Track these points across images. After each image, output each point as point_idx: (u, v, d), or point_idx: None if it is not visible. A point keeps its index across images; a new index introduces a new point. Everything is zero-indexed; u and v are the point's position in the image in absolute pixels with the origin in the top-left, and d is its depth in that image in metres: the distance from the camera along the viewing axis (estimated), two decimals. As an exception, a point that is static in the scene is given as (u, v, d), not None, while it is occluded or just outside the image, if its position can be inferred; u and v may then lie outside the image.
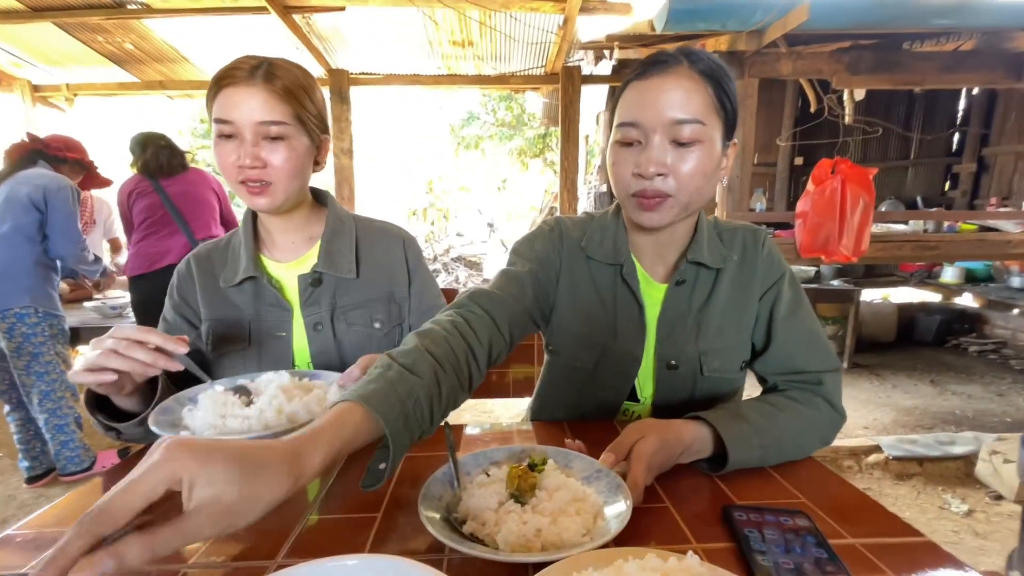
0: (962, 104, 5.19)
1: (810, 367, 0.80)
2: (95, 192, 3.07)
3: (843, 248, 2.20)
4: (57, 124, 4.34)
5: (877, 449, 2.46)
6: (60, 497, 0.66)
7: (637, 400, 0.89)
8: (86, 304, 2.69)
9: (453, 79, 4.24)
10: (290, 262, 0.95)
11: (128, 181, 2.49)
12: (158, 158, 2.42)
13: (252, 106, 0.81)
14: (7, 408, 2.31)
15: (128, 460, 0.76)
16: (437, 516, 0.53)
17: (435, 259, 8.23)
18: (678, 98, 0.71)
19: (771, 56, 2.20)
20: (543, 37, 3.57)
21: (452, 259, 8.57)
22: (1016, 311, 4.25)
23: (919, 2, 1.79)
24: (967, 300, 4.68)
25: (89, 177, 2.44)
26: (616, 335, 0.85)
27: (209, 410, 0.69)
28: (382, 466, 0.52)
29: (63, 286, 2.78)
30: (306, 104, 0.87)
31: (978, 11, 1.87)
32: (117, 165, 2.99)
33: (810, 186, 2.30)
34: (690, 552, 0.42)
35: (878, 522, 0.57)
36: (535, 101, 8.60)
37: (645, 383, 0.88)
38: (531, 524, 0.51)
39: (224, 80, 0.81)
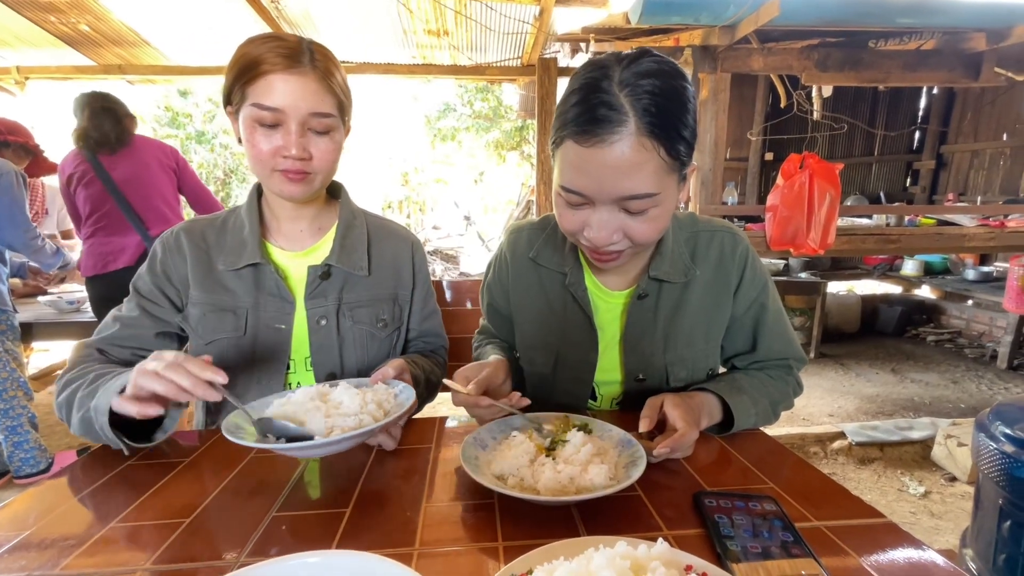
0: (922, 103, 5.39)
1: (785, 356, 0.88)
2: (48, 180, 2.89)
3: (811, 241, 2.26)
4: (7, 109, 4.10)
5: (841, 436, 2.56)
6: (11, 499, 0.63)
7: (596, 399, 0.90)
8: (40, 299, 2.56)
9: (428, 69, 4.17)
10: (297, 252, 0.91)
11: (67, 159, 2.17)
12: (99, 127, 2.10)
13: (303, 95, 0.77)
14: (-45, 408, 2.19)
15: (89, 457, 0.73)
16: (483, 476, 0.59)
17: (411, 252, 8.12)
18: (628, 173, 0.62)
19: (743, 52, 2.24)
20: (519, 28, 3.54)
21: (429, 252, 8.50)
22: (970, 302, 4.47)
23: (884, 0, 1.84)
24: (925, 292, 4.89)
25: (36, 163, 2.28)
26: (567, 341, 0.86)
27: (318, 419, 0.65)
28: None
29: (15, 282, 2.62)
30: (346, 91, 0.85)
31: (938, 11, 1.93)
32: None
33: (780, 180, 2.35)
34: (660, 539, 0.42)
35: (842, 505, 0.58)
36: (512, 93, 8.56)
37: (610, 391, 0.89)
38: (564, 473, 0.58)
39: (269, 66, 0.75)
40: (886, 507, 2.15)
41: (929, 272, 4.73)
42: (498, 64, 4.19)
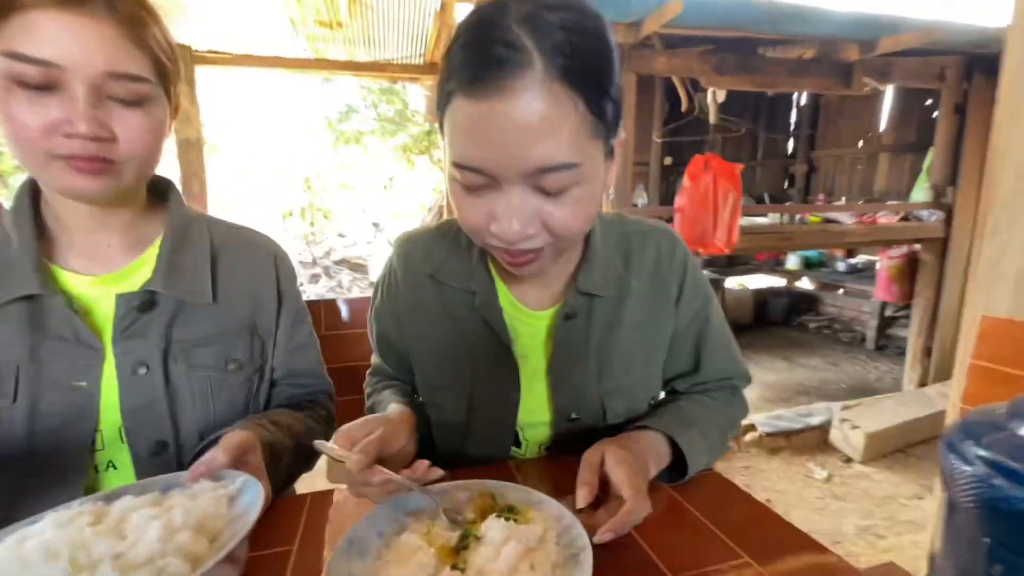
0: (794, 113, 5.98)
1: (729, 376, 0.76)
2: None
3: (717, 240, 2.31)
4: None
5: (752, 428, 2.65)
6: None
7: (520, 445, 0.73)
8: None
9: (320, 64, 3.82)
10: (100, 275, 0.65)
11: None
12: None
13: (94, 46, 0.53)
14: None
15: None
16: None
17: (315, 263, 7.56)
18: (538, 134, 0.47)
19: (648, 53, 2.25)
20: (420, 22, 3.34)
21: (334, 262, 7.97)
22: (841, 291, 5.00)
23: (777, 7, 1.92)
24: (805, 283, 5.40)
25: None
26: (481, 378, 0.69)
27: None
28: None
29: None
30: (169, 52, 0.60)
31: (818, 19, 2.07)
32: None
33: (686, 181, 2.39)
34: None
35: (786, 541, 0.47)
36: (418, 96, 8.29)
37: (537, 435, 0.72)
38: None
39: None
40: (796, 495, 2.24)
41: (808, 266, 5.23)
42: (399, 62, 3.95)
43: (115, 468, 0.65)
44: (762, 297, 5.34)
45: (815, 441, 2.66)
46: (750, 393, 0.82)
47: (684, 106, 2.69)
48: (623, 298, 0.69)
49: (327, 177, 10.95)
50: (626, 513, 0.49)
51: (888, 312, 4.31)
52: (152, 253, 0.67)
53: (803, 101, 5.76)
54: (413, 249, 0.72)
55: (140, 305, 0.63)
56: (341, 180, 11.10)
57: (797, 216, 2.88)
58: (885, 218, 2.88)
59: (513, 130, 0.47)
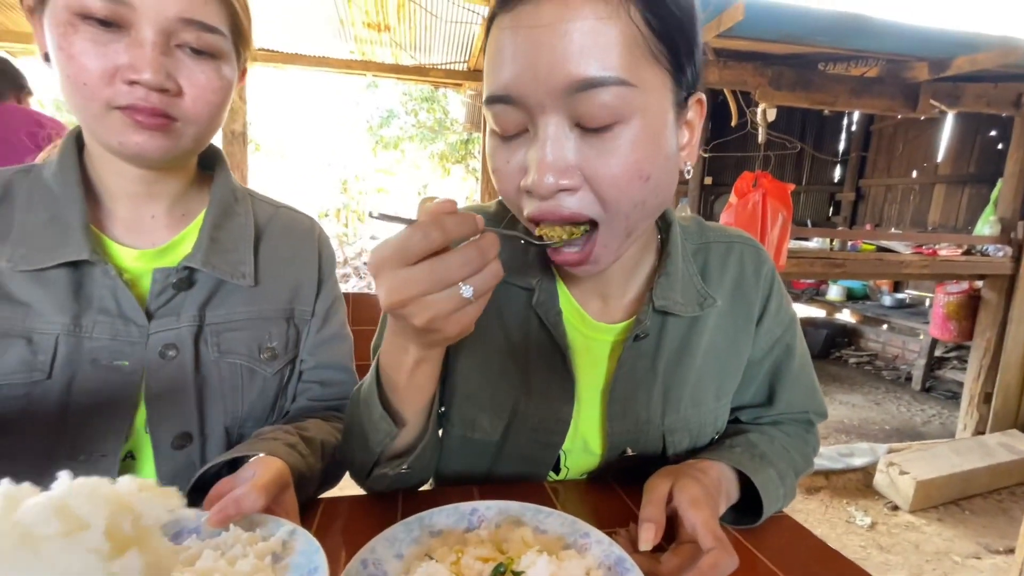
0: (843, 138, 5.76)
1: (805, 410, 0.67)
2: None
3: (763, 262, 2.19)
4: None
5: (788, 463, 2.49)
6: None
7: (558, 471, 0.64)
8: None
9: (367, 65, 3.88)
10: (144, 249, 0.59)
11: None
12: None
13: None
14: None
15: None
16: None
17: (346, 262, 7.68)
18: (572, 40, 0.39)
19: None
20: (466, 28, 3.35)
21: (365, 263, 8.08)
22: (885, 326, 4.73)
23: (841, 19, 1.82)
24: (846, 316, 5.15)
25: None
26: (529, 388, 0.59)
27: None
28: None
29: None
30: (243, 4, 0.56)
31: (886, 33, 1.95)
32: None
33: (732, 198, 2.28)
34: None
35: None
36: (457, 104, 8.38)
37: (582, 464, 0.63)
38: None
39: None
40: (836, 541, 2.07)
41: (851, 297, 4.99)
42: (443, 67, 3.97)
43: (133, 458, 0.59)
44: (801, 327, 5.12)
45: (857, 484, 2.47)
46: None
47: (734, 121, 2.60)
48: (699, 318, 0.59)
49: (364, 180, 11.15)
50: (710, 568, 0.40)
51: (939, 351, 4.05)
52: (195, 227, 0.62)
53: (854, 126, 5.56)
54: None
55: (177, 282, 0.58)
56: (377, 184, 11.29)
57: (849, 243, 2.72)
58: (946, 250, 2.69)
59: (545, 33, 0.39)
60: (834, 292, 5.01)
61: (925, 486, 2.28)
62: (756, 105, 2.36)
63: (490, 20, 0.45)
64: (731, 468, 0.55)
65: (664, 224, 0.61)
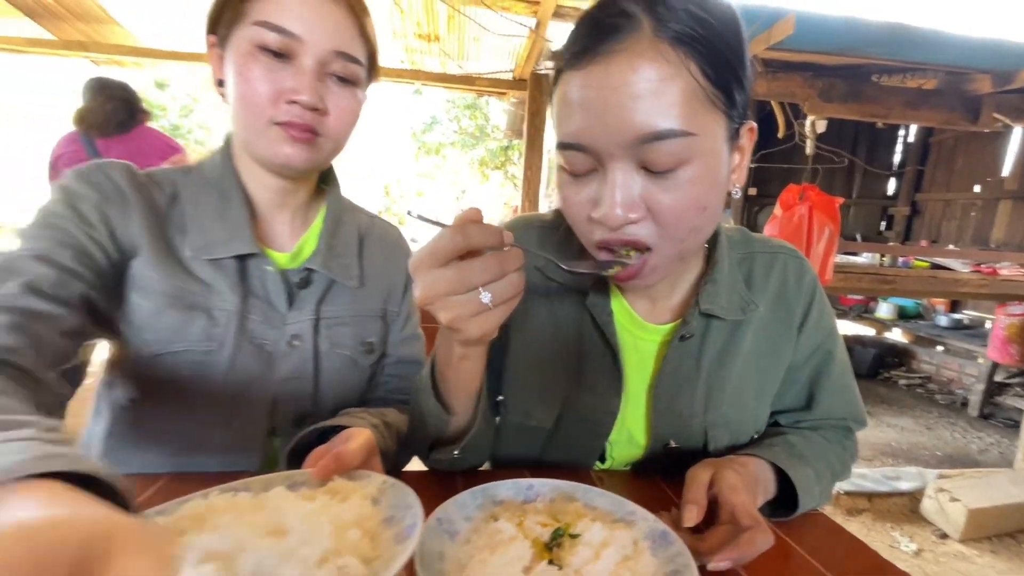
0: (899, 150, 5.53)
1: (845, 416, 0.69)
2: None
3: (808, 276, 2.15)
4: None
5: (828, 483, 2.42)
6: None
7: (603, 460, 0.68)
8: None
9: (416, 74, 4.02)
10: (282, 252, 0.69)
11: (61, 141, 2.03)
12: (103, 111, 1.96)
13: (331, 25, 0.58)
14: None
15: None
16: None
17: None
18: (641, 99, 0.43)
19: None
20: (513, 40, 3.43)
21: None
22: (940, 348, 4.50)
23: (895, 30, 1.78)
24: (897, 335, 4.92)
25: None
26: (581, 383, 0.64)
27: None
28: None
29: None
30: (374, 41, 0.66)
31: (947, 45, 1.89)
32: (18, 128, 2.54)
33: (777, 210, 2.26)
34: None
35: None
36: (499, 112, 8.50)
37: (626, 454, 0.67)
38: None
39: None
40: (878, 565, 2.00)
41: (903, 316, 4.77)
42: (489, 76, 4.07)
43: (275, 433, 0.67)
44: (847, 345, 4.91)
45: (902, 509, 2.38)
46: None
47: (781, 133, 2.56)
48: (741, 323, 0.63)
49: (405, 185, 11.44)
50: (749, 540, 0.44)
51: (999, 376, 3.83)
52: (312, 234, 0.71)
53: (911, 137, 5.33)
54: (526, 237, 0.68)
55: (299, 281, 0.67)
56: (418, 188, 11.56)
57: (900, 259, 2.63)
58: (1008, 270, 2.56)
59: (615, 93, 0.44)
60: (884, 310, 4.80)
61: (978, 515, 2.17)
62: (804, 117, 2.32)
63: (558, 72, 0.50)
64: (769, 465, 0.58)
65: (711, 234, 0.65)
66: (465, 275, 0.40)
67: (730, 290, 0.62)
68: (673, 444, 0.64)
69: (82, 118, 1.99)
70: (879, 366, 4.84)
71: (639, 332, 0.64)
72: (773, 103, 2.51)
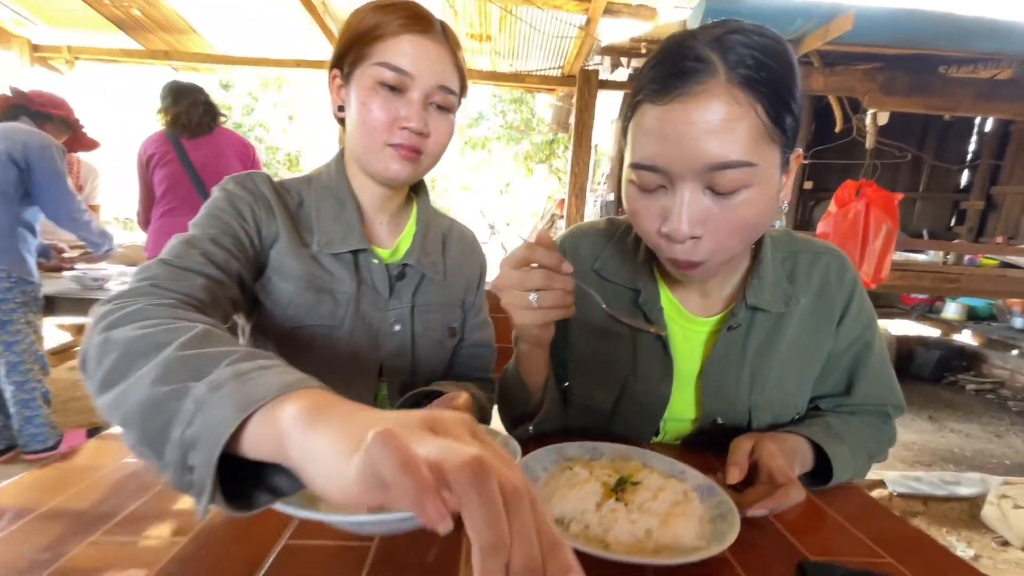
0: (973, 141, 5.17)
1: (883, 403, 0.75)
2: (82, 156, 2.88)
3: (863, 274, 2.12)
4: (55, 87, 4.20)
5: (881, 484, 2.38)
6: (18, 475, 0.59)
7: (658, 434, 0.78)
8: (65, 274, 2.54)
9: (468, 73, 4.13)
10: (383, 248, 0.82)
11: (149, 141, 2.28)
12: (191, 114, 2.21)
13: (437, 65, 0.70)
14: (-30, 378, 2.17)
15: (99, 440, 0.67)
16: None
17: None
18: (715, 133, 0.51)
19: (804, 70, 2.13)
20: (564, 32, 3.48)
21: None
22: (1015, 352, 4.22)
23: (963, 22, 1.72)
24: (966, 337, 4.64)
25: (75, 138, 2.28)
26: (635, 372, 0.74)
27: None
28: None
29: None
30: (464, 71, 0.78)
31: (1014, 37, 1.80)
32: (112, 134, 2.84)
33: (832, 207, 2.22)
34: None
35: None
36: (544, 106, 8.54)
37: (678, 428, 0.77)
38: (640, 524, 0.49)
39: (400, 26, 0.69)
40: (931, 568, 1.97)
41: (973, 317, 4.49)
42: (538, 73, 4.15)
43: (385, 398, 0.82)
44: (907, 346, 4.69)
45: (960, 514, 2.31)
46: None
47: (838, 127, 2.49)
48: (784, 315, 0.71)
49: (451, 179, 11.68)
50: (783, 493, 0.53)
51: (1081, 384, 3.57)
52: (407, 235, 0.84)
53: (988, 127, 4.97)
54: (581, 244, 0.79)
55: (397, 275, 0.80)
56: (464, 183, 11.77)
57: (966, 257, 2.52)
58: (1089, 269, 2.40)
59: (692, 128, 0.52)
60: (952, 310, 4.54)
61: (1045, 525, 2.08)
62: (864, 110, 2.26)
63: (635, 100, 0.58)
64: (807, 441, 0.65)
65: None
66: (523, 279, 0.55)
67: (774, 285, 0.70)
68: (720, 420, 0.72)
69: (174, 121, 2.22)
70: (944, 369, 4.58)
71: (687, 324, 0.73)
72: (830, 97, 2.45)
